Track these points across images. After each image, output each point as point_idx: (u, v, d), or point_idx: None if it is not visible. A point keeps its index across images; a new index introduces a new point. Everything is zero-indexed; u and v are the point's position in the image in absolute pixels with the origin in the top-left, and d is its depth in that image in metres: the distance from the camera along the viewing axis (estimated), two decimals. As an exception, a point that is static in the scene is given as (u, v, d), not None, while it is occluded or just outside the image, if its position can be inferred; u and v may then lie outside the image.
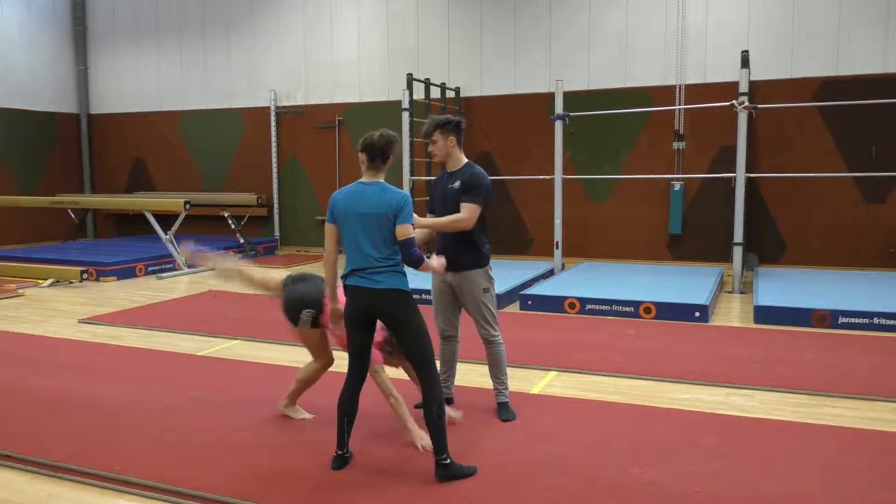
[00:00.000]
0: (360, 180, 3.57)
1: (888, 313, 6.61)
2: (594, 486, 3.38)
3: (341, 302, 3.68)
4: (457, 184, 4.16)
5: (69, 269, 9.82)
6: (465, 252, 4.17)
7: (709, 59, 10.68)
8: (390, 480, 3.45)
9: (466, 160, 4.28)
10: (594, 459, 3.67)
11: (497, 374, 4.35)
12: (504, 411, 4.29)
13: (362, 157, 3.55)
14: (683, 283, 8.36)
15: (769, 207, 10.51)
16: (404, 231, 3.43)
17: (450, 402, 4.43)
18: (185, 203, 10.48)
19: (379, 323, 3.65)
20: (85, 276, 9.67)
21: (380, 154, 3.52)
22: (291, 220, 13.77)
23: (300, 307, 4.01)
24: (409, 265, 3.50)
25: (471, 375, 5.09)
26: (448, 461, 3.42)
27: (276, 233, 13.74)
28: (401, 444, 3.85)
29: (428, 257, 3.63)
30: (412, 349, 3.49)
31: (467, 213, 4.10)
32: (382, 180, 3.57)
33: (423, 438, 3.74)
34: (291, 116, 13.44)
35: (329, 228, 3.58)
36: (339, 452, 3.59)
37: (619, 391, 4.91)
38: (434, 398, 3.43)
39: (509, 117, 11.89)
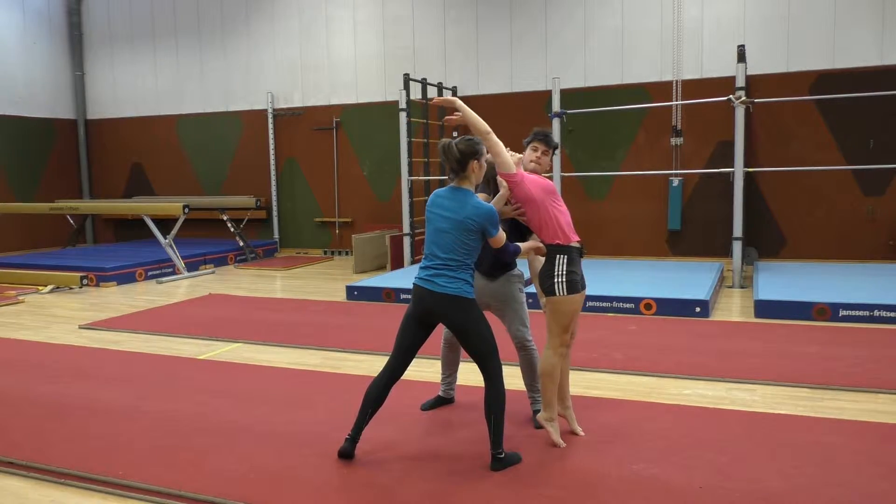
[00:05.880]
0: (452, 185, 3.65)
1: (888, 305, 6.60)
2: (597, 482, 3.38)
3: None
4: None
5: (69, 275, 9.83)
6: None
7: (705, 54, 10.68)
8: (393, 482, 3.45)
9: None
10: (597, 456, 3.67)
11: (535, 381, 4.19)
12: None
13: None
14: (683, 278, 8.36)
15: (768, 202, 10.51)
16: (496, 242, 3.61)
17: (451, 402, 4.45)
18: (184, 207, 10.47)
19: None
20: (85, 281, 9.67)
21: (453, 164, 3.58)
22: (290, 222, 13.76)
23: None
24: (511, 260, 3.79)
25: (474, 375, 5.08)
26: (503, 455, 3.51)
27: (276, 235, 13.73)
28: (404, 445, 3.85)
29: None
30: (477, 352, 3.55)
31: None
32: (468, 188, 3.60)
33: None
34: (289, 118, 13.44)
35: None
36: (352, 435, 3.63)
37: (621, 388, 4.91)
38: (500, 397, 3.50)
39: (507, 116, 11.80)
